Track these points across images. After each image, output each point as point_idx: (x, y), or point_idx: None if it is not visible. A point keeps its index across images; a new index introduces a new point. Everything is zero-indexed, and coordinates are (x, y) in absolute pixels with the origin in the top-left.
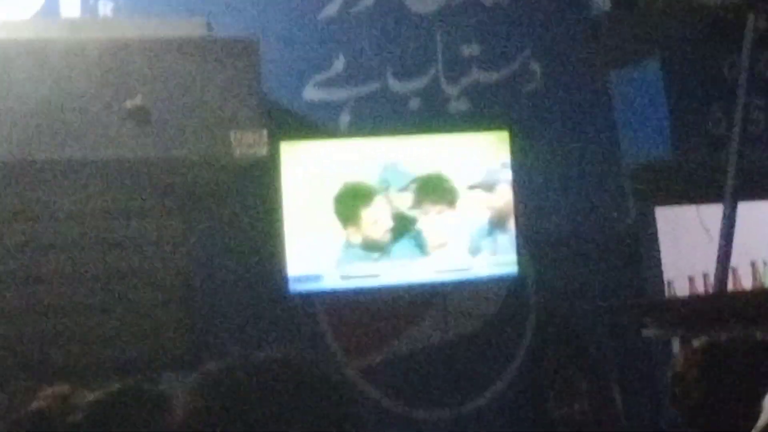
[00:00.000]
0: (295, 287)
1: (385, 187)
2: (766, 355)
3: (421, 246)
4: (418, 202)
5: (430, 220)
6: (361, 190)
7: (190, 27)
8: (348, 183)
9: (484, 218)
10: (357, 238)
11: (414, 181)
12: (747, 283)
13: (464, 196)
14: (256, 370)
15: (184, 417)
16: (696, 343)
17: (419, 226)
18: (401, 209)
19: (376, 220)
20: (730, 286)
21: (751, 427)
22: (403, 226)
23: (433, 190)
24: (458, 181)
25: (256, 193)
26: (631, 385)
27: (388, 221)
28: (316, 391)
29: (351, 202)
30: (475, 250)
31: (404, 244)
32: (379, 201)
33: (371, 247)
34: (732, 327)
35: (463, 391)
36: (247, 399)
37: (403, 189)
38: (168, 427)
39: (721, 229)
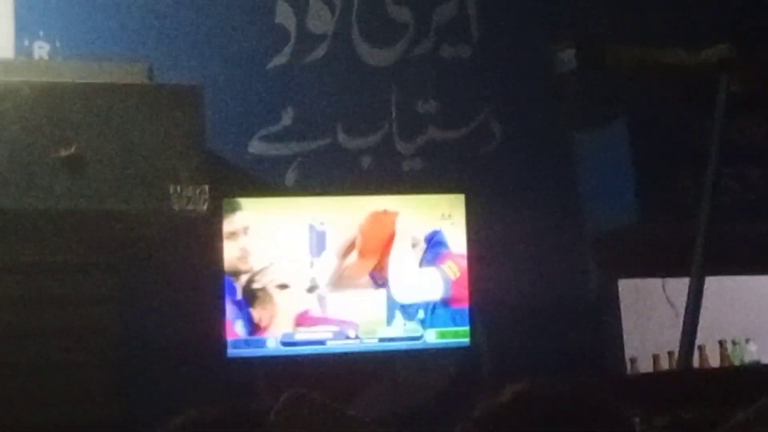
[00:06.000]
0: (234, 352)
1: None
2: None
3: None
4: None
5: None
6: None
7: (130, 73)
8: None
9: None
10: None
11: None
12: (714, 363)
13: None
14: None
15: None
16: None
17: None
18: None
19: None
20: (696, 365)
21: None
22: None
23: None
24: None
25: (196, 251)
26: None
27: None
28: None
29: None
30: (427, 319)
31: None
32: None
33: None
34: (697, 406)
35: None
36: None
37: None
38: None
39: (687, 304)
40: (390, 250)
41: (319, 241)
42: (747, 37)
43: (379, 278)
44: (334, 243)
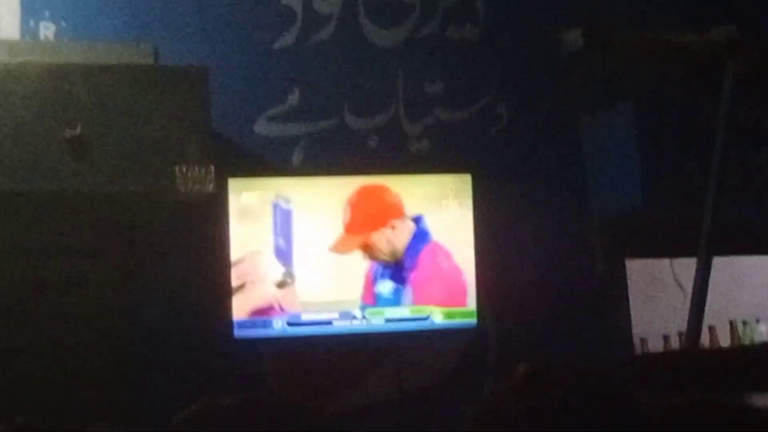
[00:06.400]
0: (240, 333)
1: None
2: (729, 418)
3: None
4: None
5: None
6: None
7: (136, 54)
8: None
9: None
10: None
11: None
12: (725, 343)
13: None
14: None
15: None
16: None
17: None
18: None
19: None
20: (707, 346)
21: None
22: None
23: None
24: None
25: (202, 232)
26: None
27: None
28: None
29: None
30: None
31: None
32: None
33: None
34: (705, 386)
35: None
36: None
37: None
38: None
39: (694, 284)
40: (378, 226)
41: (283, 220)
42: (753, 18)
43: (367, 253)
44: (312, 223)
